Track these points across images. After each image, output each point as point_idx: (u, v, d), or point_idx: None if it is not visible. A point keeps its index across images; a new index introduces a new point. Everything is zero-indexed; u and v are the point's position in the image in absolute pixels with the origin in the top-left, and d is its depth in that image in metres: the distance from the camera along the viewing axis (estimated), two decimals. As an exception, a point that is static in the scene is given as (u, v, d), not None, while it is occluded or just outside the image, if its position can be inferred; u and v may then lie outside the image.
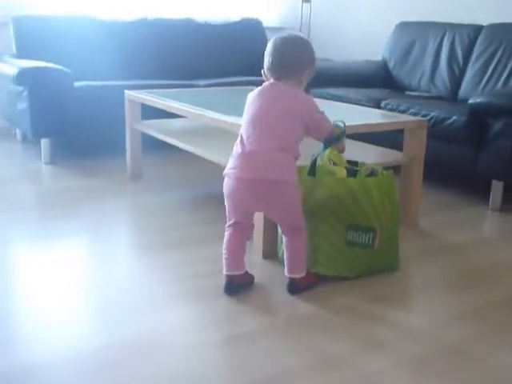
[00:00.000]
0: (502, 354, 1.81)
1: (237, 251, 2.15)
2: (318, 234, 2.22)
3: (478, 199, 3.32)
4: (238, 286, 2.15)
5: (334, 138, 2.20)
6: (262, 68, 2.15)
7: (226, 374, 1.68)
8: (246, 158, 2.04)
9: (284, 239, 2.15)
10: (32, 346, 1.78)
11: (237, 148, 2.08)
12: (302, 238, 2.13)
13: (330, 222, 2.21)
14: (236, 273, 2.15)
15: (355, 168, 2.30)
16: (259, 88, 2.13)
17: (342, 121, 2.24)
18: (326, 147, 2.22)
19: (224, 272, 2.15)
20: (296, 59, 2.10)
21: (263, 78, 2.16)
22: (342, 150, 2.26)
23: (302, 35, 2.18)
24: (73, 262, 2.40)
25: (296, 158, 2.09)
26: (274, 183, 2.02)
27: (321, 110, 2.14)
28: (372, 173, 2.30)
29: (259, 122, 2.04)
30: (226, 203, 2.13)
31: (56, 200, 3.12)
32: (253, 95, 2.13)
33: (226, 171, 2.10)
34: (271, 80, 2.12)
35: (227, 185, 2.09)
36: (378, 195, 2.22)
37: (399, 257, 2.39)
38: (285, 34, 2.17)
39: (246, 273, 2.19)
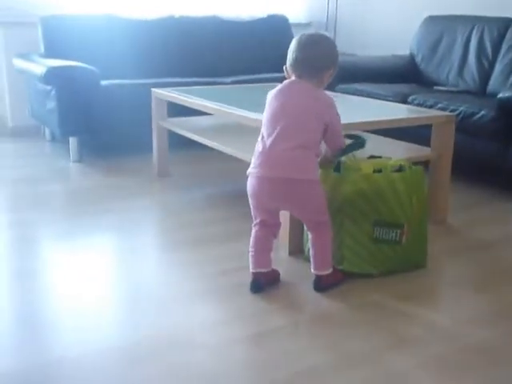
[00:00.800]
0: (532, 352, 1.78)
1: (263, 249, 2.15)
2: (344, 230, 2.21)
3: (507, 195, 3.27)
4: (264, 283, 2.14)
5: (350, 147, 2.20)
6: (285, 64, 2.14)
7: (250, 371, 1.69)
8: (267, 156, 2.03)
9: (309, 236, 2.15)
10: (60, 341, 1.80)
11: (258, 146, 2.08)
12: (327, 234, 2.13)
13: (355, 219, 2.19)
14: (262, 270, 2.14)
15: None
16: (279, 86, 2.12)
17: (362, 136, 2.24)
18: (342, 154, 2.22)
19: (250, 269, 2.15)
20: (319, 57, 2.09)
21: (285, 74, 2.15)
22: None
23: (327, 34, 2.16)
24: (101, 258, 2.42)
25: (317, 155, 2.08)
26: (296, 181, 2.01)
27: (338, 116, 2.13)
28: (400, 169, 2.27)
29: (280, 120, 2.03)
30: (250, 202, 2.13)
31: (84, 198, 3.15)
32: (273, 93, 2.12)
33: (249, 170, 2.10)
34: (292, 77, 2.11)
35: (250, 184, 2.09)
36: (404, 190, 2.20)
37: (427, 254, 2.36)
38: (311, 31, 2.16)
39: (273, 270, 2.19)
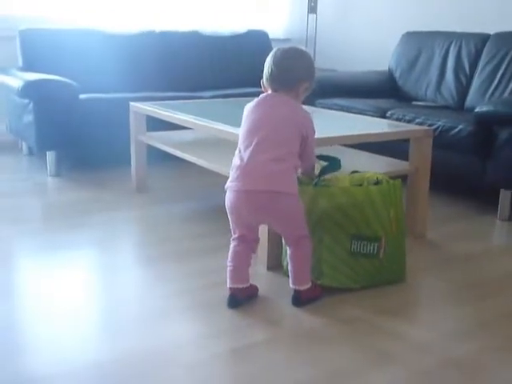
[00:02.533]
0: (510, 368, 1.77)
1: (241, 264, 2.13)
2: (322, 244, 2.20)
3: (486, 209, 3.28)
4: (241, 299, 2.12)
5: (326, 169, 2.22)
6: (261, 79, 2.14)
7: (228, 387, 1.66)
8: (245, 169, 2.02)
9: (288, 250, 2.13)
10: (37, 359, 1.76)
11: (235, 160, 2.07)
12: (306, 248, 2.11)
13: (333, 233, 2.18)
14: (240, 286, 2.12)
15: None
16: (256, 99, 2.11)
17: (336, 157, 2.25)
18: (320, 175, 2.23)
19: (228, 285, 2.13)
20: (294, 70, 2.09)
21: (262, 89, 2.15)
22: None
23: (303, 48, 2.16)
24: (78, 274, 2.39)
25: (296, 168, 2.07)
26: (275, 194, 1.99)
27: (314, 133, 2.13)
28: (377, 182, 2.27)
29: (257, 132, 2.02)
30: (229, 217, 2.11)
31: (62, 212, 3.11)
32: (250, 106, 2.12)
33: (227, 184, 2.08)
34: (269, 91, 2.11)
35: (228, 198, 2.07)
36: (381, 204, 2.19)
37: (406, 268, 2.36)
38: (286, 45, 2.16)
39: (251, 285, 2.16)
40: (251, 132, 2.04)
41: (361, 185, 2.24)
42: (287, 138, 2.03)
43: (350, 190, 2.18)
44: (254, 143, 2.01)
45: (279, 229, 2.14)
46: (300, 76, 2.10)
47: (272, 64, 2.08)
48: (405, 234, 2.33)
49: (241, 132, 2.09)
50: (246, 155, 2.02)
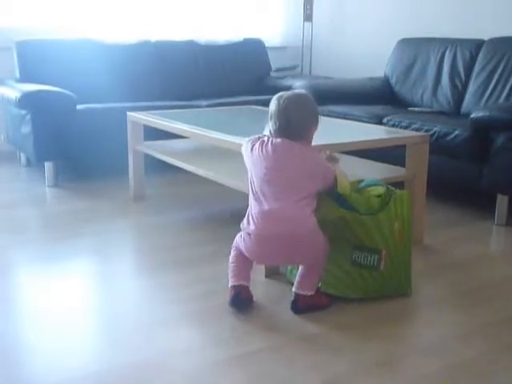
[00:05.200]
0: (509, 371, 1.78)
1: (244, 263, 2.15)
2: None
3: (483, 214, 3.29)
4: (245, 299, 2.12)
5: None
6: (270, 131, 2.14)
7: (228, 395, 1.66)
8: (267, 215, 2.04)
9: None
10: (37, 368, 1.77)
11: (254, 205, 2.08)
12: (322, 259, 2.13)
13: (335, 242, 2.17)
14: (244, 283, 2.13)
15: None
16: (267, 143, 2.09)
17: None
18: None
19: (230, 283, 2.13)
20: (303, 121, 2.10)
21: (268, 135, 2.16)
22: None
23: (304, 92, 2.17)
24: (76, 283, 2.39)
25: (313, 211, 2.08)
26: (298, 235, 2.03)
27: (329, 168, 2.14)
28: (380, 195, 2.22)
29: (274, 181, 2.04)
30: (246, 255, 2.13)
31: (60, 222, 3.12)
32: (263, 149, 2.09)
33: (245, 229, 2.09)
34: (278, 139, 2.10)
35: (250, 242, 2.08)
36: (385, 217, 2.18)
37: (411, 282, 2.31)
38: (288, 92, 2.15)
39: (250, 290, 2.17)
40: (268, 178, 2.05)
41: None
42: (302, 186, 2.05)
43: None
44: (271, 189, 2.04)
45: (303, 263, 2.14)
46: (309, 124, 2.12)
47: (279, 115, 2.08)
48: (411, 248, 2.29)
49: (253, 175, 2.10)
50: (265, 201, 2.04)
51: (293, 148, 2.07)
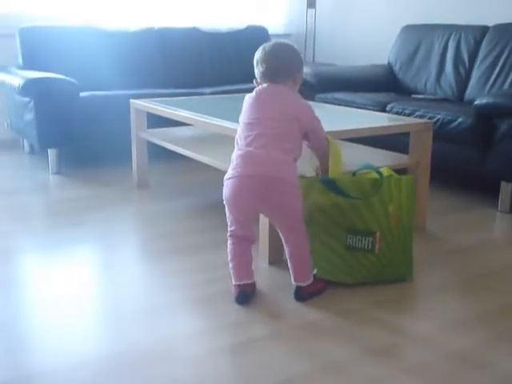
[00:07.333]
0: (510, 359, 1.78)
1: (244, 260, 2.13)
2: (317, 238, 2.19)
3: (486, 201, 3.29)
4: (250, 294, 2.13)
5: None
6: (256, 79, 2.17)
7: (233, 380, 1.67)
8: (246, 156, 2.03)
9: (286, 248, 2.13)
10: (41, 354, 1.77)
11: (235, 152, 2.08)
12: (304, 244, 2.11)
13: (328, 227, 2.18)
14: (248, 281, 2.13)
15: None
16: (257, 89, 2.13)
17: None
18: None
19: (234, 282, 2.13)
20: (290, 62, 2.14)
21: (255, 86, 2.17)
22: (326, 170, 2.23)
23: (288, 41, 2.20)
24: (81, 269, 2.40)
25: (295, 159, 2.08)
26: (275, 180, 2.00)
27: (318, 118, 2.16)
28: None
29: (258, 126, 2.04)
30: (227, 209, 2.11)
31: (64, 209, 3.13)
32: (250, 97, 2.13)
33: (226, 176, 2.08)
34: (264, 85, 2.13)
35: (228, 187, 2.06)
36: (377, 200, 2.18)
37: (412, 269, 2.31)
38: (271, 41, 2.19)
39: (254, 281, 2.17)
40: (252, 125, 2.05)
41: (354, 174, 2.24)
42: (288, 131, 2.04)
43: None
44: (254, 132, 2.03)
45: (275, 217, 2.12)
46: (296, 67, 2.15)
47: (267, 59, 2.10)
48: (410, 231, 2.27)
49: (241, 123, 2.11)
50: (246, 143, 2.04)
51: (281, 90, 2.11)
